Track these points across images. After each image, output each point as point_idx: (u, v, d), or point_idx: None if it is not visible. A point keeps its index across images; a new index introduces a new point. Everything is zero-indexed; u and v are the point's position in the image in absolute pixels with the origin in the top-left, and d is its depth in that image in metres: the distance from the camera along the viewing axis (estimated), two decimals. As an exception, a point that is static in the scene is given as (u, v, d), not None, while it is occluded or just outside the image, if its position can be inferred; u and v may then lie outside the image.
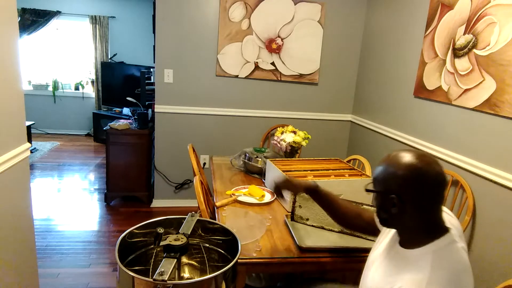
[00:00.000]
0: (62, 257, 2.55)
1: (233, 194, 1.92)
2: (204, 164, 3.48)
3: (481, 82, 1.98)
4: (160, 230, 1.13)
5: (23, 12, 5.59)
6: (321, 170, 1.98)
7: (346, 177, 1.88)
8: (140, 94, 3.77)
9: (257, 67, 3.31)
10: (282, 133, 2.46)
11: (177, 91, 3.26)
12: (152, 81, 3.65)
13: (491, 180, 1.92)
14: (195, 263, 1.33)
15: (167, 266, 0.99)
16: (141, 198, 3.50)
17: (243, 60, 3.27)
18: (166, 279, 0.93)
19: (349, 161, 2.60)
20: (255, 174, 2.33)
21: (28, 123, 4.47)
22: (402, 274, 0.94)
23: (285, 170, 1.93)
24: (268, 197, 1.94)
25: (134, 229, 1.19)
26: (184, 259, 1.33)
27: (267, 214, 1.75)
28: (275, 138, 2.46)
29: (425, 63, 2.47)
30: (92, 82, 6.16)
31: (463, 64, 2.12)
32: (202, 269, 1.32)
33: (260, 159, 2.30)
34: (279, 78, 3.38)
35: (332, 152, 3.67)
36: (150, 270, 1.24)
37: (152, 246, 1.25)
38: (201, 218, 1.30)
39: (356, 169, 2.02)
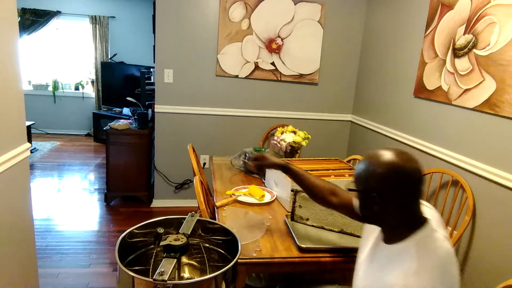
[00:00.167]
0: (62, 257, 2.55)
1: (233, 194, 1.92)
2: (204, 164, 3.48)
3: (481, 82, 1.98)
4: (160, 230, 1.13)
5: (23, 12, 5.59)
6: (321, 170, 1.98)
7: (346, 177, 1.88)
8: (140, 94, 3.77)
9: (257, 67, 3.31)
10: (282, 133, 2.46)
11: (177, 91, 3.26)
12: (152, 81, 3.65)
13: (491, 180, 1.92)
14: (195, 263, 1.33)
15: (167, 266, 0.99)
16: (141, 198, 3.50)
17: (243, 60, 3.27)
18: (166, 279, 0.93)
19: (349, 161, 2.60)
20: (255, 174, 2.33)
21: (28, 123, 4.47)
22: (390, 269, 0.96)
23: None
24: (268, 197, 1.93)
25: (134, 229, 1.19)
26: (184, 259, 1.33)
27: (267, 214, 1.75)
28: (275, 138, 2.46)
29: (425, 63, 2.47)
30: (92, 82, 6.16)
31: (463, 64, 2.12)
32: (202, 269, 1.32)
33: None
34: (279, 78, 3.38)
35: (332, 152, 3.67)
36: (150, 270, 1.24)
37: (152, 246, 1.24)
38: (201, 218, 1.30)
39: (356, 169, 2.02)
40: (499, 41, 1.86)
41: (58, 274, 2.37)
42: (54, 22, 5.83)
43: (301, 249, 1.44)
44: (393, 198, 0.97)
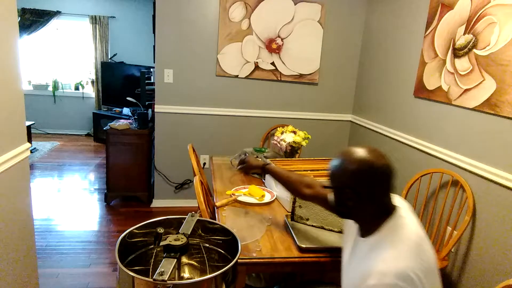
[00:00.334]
0: (62, 257, 2.55)
1: (233, 194, 1.92)
2: (204, 164, 3.48)
3: (481, 82, 1.98)
4: (160, 230, 1.13)
5: (23, 12, 5.59)
6: (321, 170, 1.98)
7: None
8: (140, 94, 3.77)
9: (257, 67, 3.31)
10: (282, 133, 2.46)
11: (177, 91, 3.26)
12: (152, 81, 3.65)
13: (491, 180, 1.92)
14: (195, 263, 1.33)
15: (167, 266, 0.99)
16: (141, 198, 3.50)
17: (243, 60, 3.27)
18: (166, 279, 0.93)
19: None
20: (255, 174, 2.33)
21: (28, 123, 4.47)
22: (369, 260, 1.00)
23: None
24: (268, 197, 1.93)
25: (134, 229, 1.19)
26: (184, 259, 1.33)
27: (267, 214, 1.75)
28: (275, 138, 2.46)
29: (425, 63, 2.47)
30: (92, 82, 6.16)
31: (463, 64, 2.12)
32: (202, 269, 1.32)
33: (260, 159, 2.30)
34: (279, 78, 3.38)
35: (332, 152, 3.67)
36: (150, 270, 1.24)
37: (152, 246, 1.25)
38: (201, 218, 1.30)
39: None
40: (499, 41, 1.86)
41: (58, 274, 2.37)
42: (54, 22, 5.83)
43: (301, 249, 1.44)
44: (365, 192, 1.02)
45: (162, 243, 1.10)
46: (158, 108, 3.27)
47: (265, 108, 3.46)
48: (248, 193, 1.95)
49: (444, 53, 2.29)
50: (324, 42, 3.39)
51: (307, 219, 1.64)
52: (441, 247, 2.20)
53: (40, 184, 3.89)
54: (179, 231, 1.18)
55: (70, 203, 3.45)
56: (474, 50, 2.03)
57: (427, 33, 2.46)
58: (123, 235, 1.14)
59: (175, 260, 1.04)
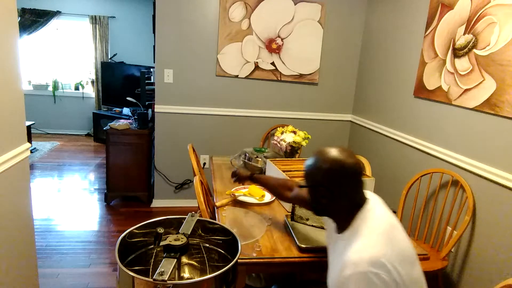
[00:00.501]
0: (62, 257, 2.55)
1: (233, 194, 1.92)
2: (204, 164, 3.48)
3: (481, 82, 1.98)
4: (160, 230, 1.13)
5: (23, 12, 5.59)
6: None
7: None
8: (140, 94, 3.77)
9: (257, 67, 3.31)
10: (282, 133, 2.46)
11: (177, 91, 3.26)
12: (152, 81, 3.65)
13: (491, 180, 1.92)
14: (195, 263, 1.33)
15: (167, 266, 0.99)
16: (141, 198, 3.50)
17: (243, 60, 3.27)
18: (166, 279, 0.93)
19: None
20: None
21: (28, 123, 4.47)
22: (345, 254, 1.04)
23: (285, 170, 1.93)
24: (268, 197, 1.93)
25: (134, 229, 1.19)
26: (184, 259, 1.33)
27: (267, 214, 1.75)
28: (275, 138, 2.46)
29: (425, 63, 2.47)
30: (92, 82, 6.16)
31: (463, 64, 2.12)
32: (202, 269, 1.32)
33: (260, 159, 2.30)
34: (279, 78, 3.38)
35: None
36: (150, 270, 1.24)
37: (152, 246, 1.25)
38: (201, 218, 1.30)
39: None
40: (499, 41, 1.86)
41: (58, 274, 2.37)
42: (54, 22, 5.83)
43: (301, 249, 1.44)
44: (338, 190, 1.09)
45: (162, 243, 1.10)
46: (158, 108, 3.27)
47: (265, 108, 3.46)
48: (248, 193, 1.95)
49: (444, 53, 2.29)
50: (324, 42, 3.39)
51: (307, 219, 1.64)
52: (441, 247, 2.20)
53: (40, 184, 3.89)
54: (179, 231, 1.18)
55: (70, 203, 3.45)
56: (474, 50, 2.03)
57: (427, 33, 2.46)
58: (123, 235, 1.14)
59: (175, 260, 1.04)
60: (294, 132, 2.45)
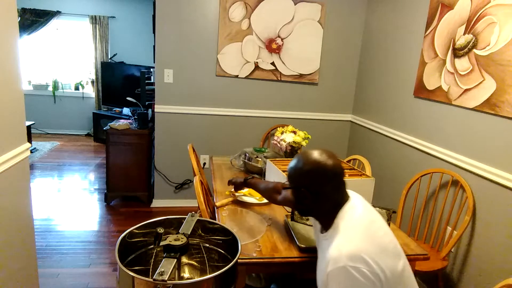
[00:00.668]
0: (62, 257, 2.55)
1: (233, 194, 1.92)
2: (204, 164, 3.48)
3: (481, 82, 1.98)
4: (160, 230, 1.13)
5: (23, 12, 5.59)
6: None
7: (346, 177, 1.88)
8: (140, 94, 3.77)
9: (257, 67, 3.31)
10: (282, 133, 2.46)
11: (177, 91, 3.26)
12: (152, 81, 3.65)
13: (491, 180, 1.92)
14: (195, 263, 1.33)
15: (167, 266, 0.99)
16: (141, 198, 3.50)
17: (243, 60, 3.27)
18: (166, 279, 0.93)
19: (349, 161, 2.60)
20: (255, 174, 2.33)
21: (28, 123, 4.47)
22: (327, 252, 1.06)
23: (285, 170, 1.93)
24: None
25: (134, 229, 1.19)
26: (184, 259, 1.33)
27: (267, 214, 1.75)
28: (275, 138, 2.46)
29: (425, 63, 2.47)
30: (92, 82, 6.16)
31: (463, 64, 2.12)
32: (202, 269, 1.32)
33: (260, 159, 2.30)
34: (279, 78, 3.38)
35: (332, 152, 3.66)
36: (150, 270, 1.24)
37: (152, 246, 1.25)
38: (201, 218, 1.30)
39: (356, 169, 2.02)
40: (499, 41, 1.86)
41: (58, 274, 2.37)
42: (54, 22, 5.83)
43: (301, 249, 1.44)
44: (319, 191, 1.12)
45: (162, 243, 1.10)
46: (158, 108, 3.27)
47: (265, 108, 3.46)
48: (248, 193, 1.95)
49: (444, 53, 2.29)
50: (324, 42, 3.39)
51: (307, 219, 1.64)
52: (441, 247, 2.20)
53: (40, 184, 3.89)
54: (179, 231, 1.18)
55: (70, 203, 3.45)
56: (474, 50, 2.03)
57: (427, 33, 2.46)
58: (123, 235, 1.14)
59: (175, 260, 1.04)
60: (294, 132, 2.45)
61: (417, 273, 1.95)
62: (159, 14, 3.09)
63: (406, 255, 1.45)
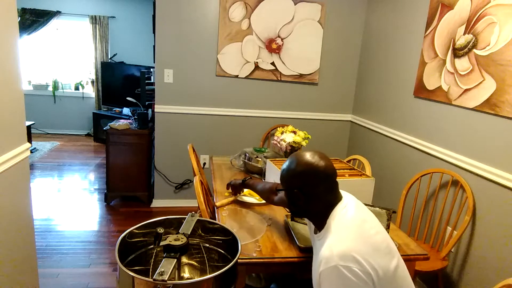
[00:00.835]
0: (62, 257, 2.55)
1: (232, 194, 1.92)
2: (204, 164, 3.48)
3: (481, 82, 1.98)
4: (160, 230, 1.13)
5: (23, 12, 5.59)
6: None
7: (346, 177, 1.88)
8: (140, 94, 3.77)
9: (257, 67, 3.31)
10: (282, 133, 2.46)
11: (177, 91, 3.26)
12: (152, 81, 3.65)
13: (491, 180, 1.92)
14: (195, 263, 1.33)
15: (167, 266, 0.99)
16: (141, 198, 3.50)
17: (243, 60, 3.27)
18: (166, 279, 0.93)
19: (349, 161, 2.60)
20: (255, 174, 2.33)
21: (28, 123, 4.47)
22: (320, 252, 1.07)
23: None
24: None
25: (134, 229, 1.19)
26: (184, 259, 1.33)
27: (267, 214, 1.75)
28: (275, 138, 2.46)
29: (425, 63, 2.47)
30: (92, 82, 6.16)
31: (463, 64, 2.12)
32: (202, 269, 1.32)
33: (260, 159, 2.30)
34: (279, 78, 3.38)
35: (332, 152, 3.67)
36: (150, 270, 1.24)
37: (152, 246, 1.25)
38: (201, 218, 1.30)
39: (356, 169, 2.02)
40: (499, 41, 1.86)
41: (58, 274, 2.37)
42: (54, 22, 5.83)
43: (301, 249, 1.44)
44: (311, 192, 1.13)
45: (162, 243, 1.10)
46: (158, 108, 3.27)
47: (265, 108, 3.46)
48: (248, 193, 1.95)
49: (444, 53, 2.29)
50: (324, 42, 3.39)
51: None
52: (441, 247, 2.20)
53: (40, 184, 3.89)
54: (179, 231, 1.18)
55: (70, 203, 3.45)
56: (474, 50, 2.03)
57: (427, 33, 2.46)
58: (123, 235, 1.14)
59: (175, 260, 1.04)
60: (294, 132, 2.45)
61: (417, 273, 1.96)
62: (159, 14, 3.09)
63: (406, 255, 1.46)
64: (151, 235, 1.22)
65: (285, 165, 1.20)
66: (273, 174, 2.00)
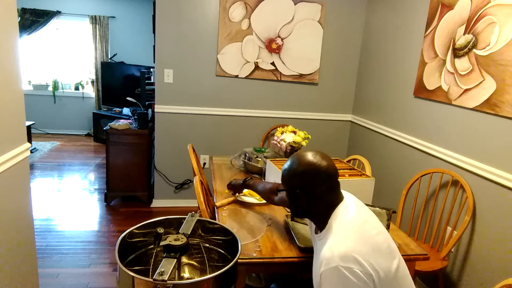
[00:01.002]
0: (62, 257, 2.55)
1: (232, 194, 1.92)
2: (204, 164, 3.48)
3: (481, 82, 1.98)
4: (160, 230, 1.13)
5: (23, 12, 5.59)
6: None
7: (346, 177, 1.88)
8: (140, 94, 3.77)
9: (257, 67, 3.31)
10: (282, 133, 2.46)
11: (177, 91, 3.26)
12: (152, 81, 3.65)
13: (491, 180, 1.92)
14: (195, 263, 1.33)
15: (167, 266, 0.99)
16: (141, 198, 3.50)
17: (243, 60, 3.27)
18: (166, 279, 0.93)
19: (349, 161, 2.60)
20: (255, 174, 2.33)
21: (28, 123, 4.47)
22: (321, 252, 1.07)
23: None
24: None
25: (134, 229, 1.19)
26: (184, 259, 1.33)
27: (267, 214, 1.75)
28: (275, 138, 2.46)
29: (425, 63, 2.47)
30: (92, 82, 6.16)
31: (463, 64, 2.12)
32: (202, 269, 1.32)
33: (260, 159, 2.30)
34: (279, 78, 3.38)
35: (332, 152, 3.67)
36: (150, 270, 1.24)
37: (152, 246, 1.25)
38: (201, 218, 1.30)
39: (356, 169, 2.02)
40: (499, 41, 1.86)
41: (58, 274, 2.37)
42: (54, 22, 5.83)
43: (301, 249, 1.44)
44: (313, 192, 1.13)
45: (162, 243, 1.10)
46: (158, 108, 3.27)
47: (265, 108, 3.46)
48: (248, 193, 1.95)
49: (444, 53, 2.29)
50: (324, 42, 3.39)
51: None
52: (441, 247, 2.20)
53: (40, 184, 3.89)
54: (179, 231, 1.18)
55: (70, 203, 3.45)
56: (474, 50, 2.03)
57: (427, 33, 2.46)
58: (123, 235, 1.14)
59: (175, 260, 1.04)
60: (294, 132, 2.45)
61: (417, 273, 1.96)
62: (159, 14, 3.09)
63: (406, 255, 1.46)
64: (151, 235, 1.22)
65: (286, 165, 1.20)
66: (273, 174, 2.00)
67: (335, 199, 1.16)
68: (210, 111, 3.36)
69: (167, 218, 1.27)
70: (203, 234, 1.31)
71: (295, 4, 3.22)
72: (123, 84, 5.59)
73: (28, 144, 1.76)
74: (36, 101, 6.04)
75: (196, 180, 1.75)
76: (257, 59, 3.29)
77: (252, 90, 3.39)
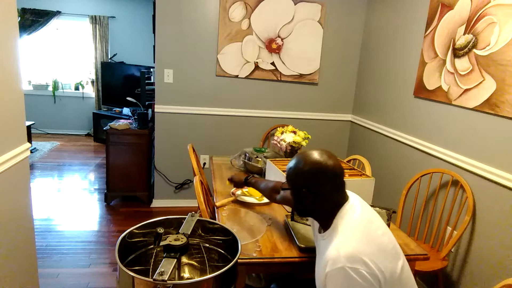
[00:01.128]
0: (62, 257, 2.55)
1: (233, 194, 1.92)
2: (204, 164, 3.48)
3: (481, 82, 1.98)
4: (160, 230, 1.13)
5: (23, 12, 5.59)
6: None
7: (346, 177, 1.88)
8: (140, 94, 3.77)
9: (257, 67, 3.31)
10: (282, 133, 2.46)
11: (177, 91, 3.26)
12: (152, 81, 3.65)
13: (491, 180, 1.92)
14: (195, 263, 1.33)
15: (167, 266, 0.99)
16: (141, 198, 3.50)
17: (243, 60, 3.27)
18: (166, 279, 0.93)
19: (349, 161, 2.60)
20: (255, 174, 2.33)
21: (28, 123, 4.47)
22: (326, 252, 1.06)
23: (285, 170, 1.93)
24: (268, 197, 1.93)
25: (134, 229, 1.19)
26: (184, 259, 1.33)
27: (267, 214, 1.75)
28: (275, 138, 2.46)
29: (425, 63, 2.47)
30: (92, 82, 6.16)
31: (463, 64, 2.12)
32: (202, 269, 1.32)
33: (260, 159, 2.30)
34: (279, 78, 3.38)
35: (332, 152, 3.66)
36: (150, 270, 1.24)
37: (152, 246, 1.25)
38: (201, 218, 1.30)
39: (356, 169, 2.02)
40: (499, 41, 1.86)
41: (58, 274, 2.37)
42: (54, 22, 5.83)
43: (301, 249, 1.44)
44: (318, 191, 1.12)
45: (162, 243, 1.10)
46: (158, 108, 3.27)
47: (265, 108, 3.46)
48: (248, 193, 1.95)
49: (444, 53, 2.29)
50: (324, 42, 3.39)
51: (307, 219, 1.64)
52: (441, 247, 2.20)
53: (40, 184, 3.89)
54: (179, 231, 1.18)
55: (70, 203, 3.45)
56: (474, 50, 2.03)
57: (427, 33, 2.46)
58: (123, 235, 1.14)
59: (175, 260, 1.04)
60: (294, 132, 2.45)
61: (417, 273, 1.96)
62: (159, 14, 3.09)
63: (406, 255, 1.46)
64: (151, 235, 1.22)
65: (292, 163, 1.18)
66: (273, 174, 2.00)
67: (341, 198, 1.15)
68: (210, 111, 3.36)
69: (167, 218, 1.27)
70: (203, 234, 1.31)
71: (295, 4, 3.22)
72: (123, 84, 5.59)
73: (28, 144, 1.76)
74: (36, 101, 6.04)
75: (196, 180, 1.75)
76: (257, 59, 3.29)
77: (252, 90, 3.39)
